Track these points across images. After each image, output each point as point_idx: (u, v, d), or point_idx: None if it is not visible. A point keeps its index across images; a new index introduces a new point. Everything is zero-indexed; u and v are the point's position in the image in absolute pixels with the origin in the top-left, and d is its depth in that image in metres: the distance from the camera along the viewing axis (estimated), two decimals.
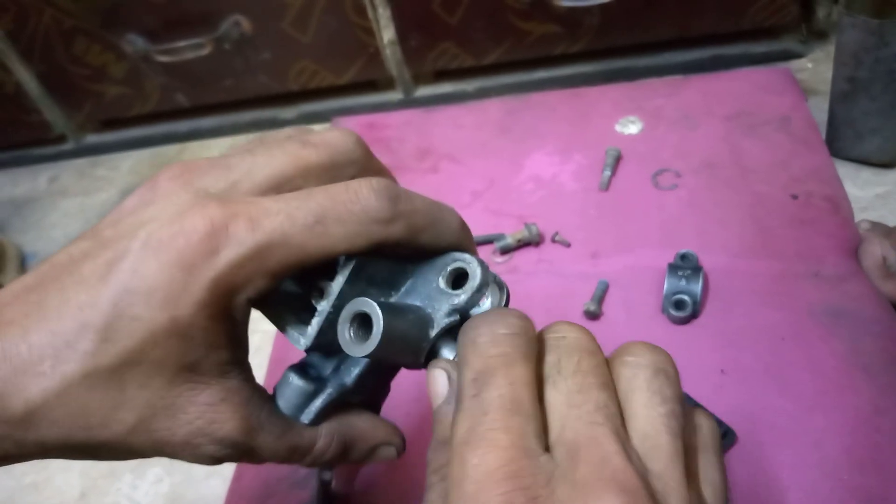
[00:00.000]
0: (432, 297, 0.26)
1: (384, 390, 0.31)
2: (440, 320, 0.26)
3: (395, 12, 1.26)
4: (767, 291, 0.53)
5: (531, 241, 0.60)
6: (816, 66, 1.20)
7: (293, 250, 0.23)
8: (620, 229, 0.60)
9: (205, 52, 1.33)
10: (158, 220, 0.23)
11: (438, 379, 0.24)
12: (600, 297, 0.55)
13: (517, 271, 0.59)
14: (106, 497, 0.62)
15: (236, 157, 0.25)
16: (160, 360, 0.23)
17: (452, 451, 0.20)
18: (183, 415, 0.24)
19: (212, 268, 0.22)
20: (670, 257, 0.56)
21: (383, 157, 0.73)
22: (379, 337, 0.23)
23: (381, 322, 0.23)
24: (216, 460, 0.26)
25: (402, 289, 0.27)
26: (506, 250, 0.60)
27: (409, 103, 1.40)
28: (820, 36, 1.25)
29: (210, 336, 0.23)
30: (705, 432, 0.24)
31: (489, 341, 0.23)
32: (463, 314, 0.26)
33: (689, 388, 0.48)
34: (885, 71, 0.81)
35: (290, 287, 0.28)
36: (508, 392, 0.21)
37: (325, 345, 0.26)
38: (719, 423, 0.45)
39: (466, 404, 0.21)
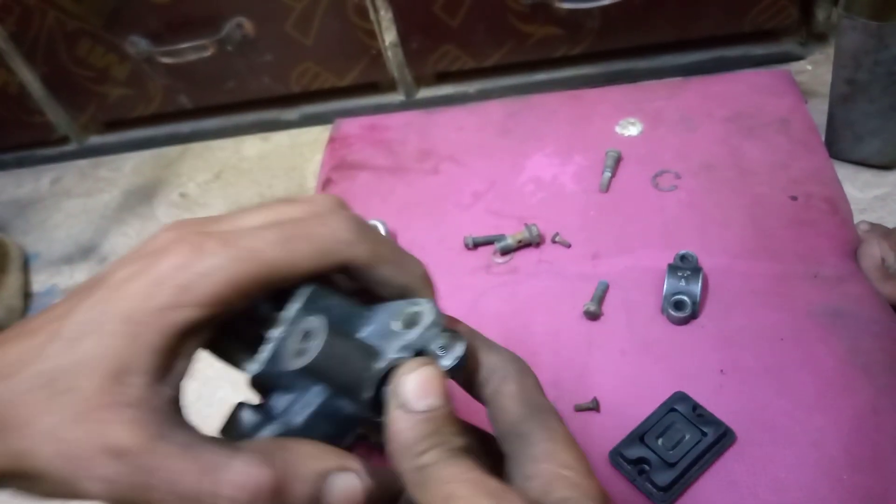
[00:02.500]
0: (387, 337, 0.26)
1: (341, 444, 0.26)
2: (390, 354, 0.25)
3: (396, 15, 1.27)
4: (767, 292, 0.53)
5: (532, 242, 0.61)
6: (816, 69, 1.21)
7: (260, 266, 0.24)
8: (620, 230, 0.61)
9: (207, 53, 1.34)
10: (145, 253, 0.25)
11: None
12: (600, 298, 0.55)
13: (518, 272, 0.60)
14: None
15: (228, 214, 0.27)
16: (97, 360, 0.22)
17: None
18: (87, 422, 0.22)
19: (180, 276, 0.23)
20: (670, 258, 0.56)
21: (384, 159, 0.74)
22: (319, 347, 0.23)
23: (324, 334, 0.23)
24: (110, 486, 0.22)
25: (360, 333, 0.27)
26: (506, 251, 0.61)
27: (410, 105, 1.41)
28: (819, 38, 1.26)
29: (154, 339, 0.23)
30: None
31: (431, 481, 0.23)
32: (416, 352, 0.26)
33: (689, 389, 0.48)
34: (885, 73, 0.81)
35: (244, 326, 0.27)
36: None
37: (276, 376, 0.25)
38: (719, 422, 0.46)
39: None
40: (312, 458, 0.24)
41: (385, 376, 0.25)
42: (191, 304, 0.23)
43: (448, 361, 0.26)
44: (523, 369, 0.28)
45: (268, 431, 0.25)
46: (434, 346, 0.26)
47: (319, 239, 0.25)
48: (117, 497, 0.22)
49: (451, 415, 0.24)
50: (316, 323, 0.24)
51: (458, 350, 0.26)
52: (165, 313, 0.23)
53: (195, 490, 0.22)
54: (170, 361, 0.23)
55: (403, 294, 0.27)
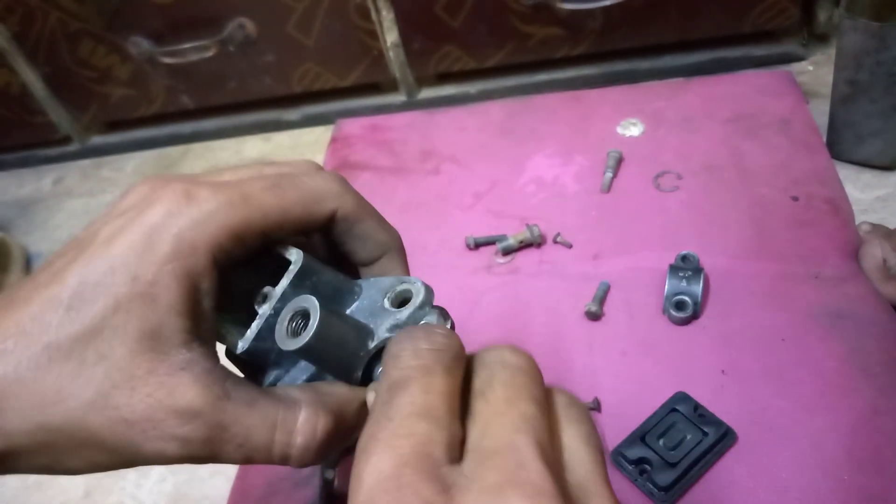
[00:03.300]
0: (376, 315, 0.26)
1: None
2: (381, 334, 0.25)
3: (398, 15, 1.27)
4: (768, 293, 0.53)
5: (533, 243, 0.61)
6: (817, 69, 1.21)
7: (253, 210, 0.24)
8: (622, 231, 0.61)
9: (209, 54, 1.34)
10: (125, 207, 0.24)
11: (370, 399, 0.24)
12: (601, 298, 0.55)
13: (519, 272, 0.60)
14: (110, 496, 0.62)
15: (207, 172, 0.26)
16: (121, 326, 0.22)
17: (354, 459, 0.20)
18: (143, 387, 0.22)
19: (175, 225, 0.22)
20: (671, 258, 0.56)
21: (386, 159, 0.74)
22: (314, 328, 0.23)
23: (319, 315, 0.23)
24: (184, 444, 0.22)
25: (348, 308, 0.27)
26: (508, 251, 0.61)
27: (411, 105, 1.41)
28: (821, 39, 1.26)
29: (173, 298, 0.22)
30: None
31: (410, 354, 0.22)
32: None
33: (690, 389, 0.48)
34: (886, 74, 0.82)
35: (236, 295, 0.26)
36: (420, 400, 0.20)
37: (264, 353, 0.25)
38: (720, 423, 0.46)
39: (376, 413, 0.20)
40: (351, 393, 0.25)
41: (375, 355, 0.25)
42: (192, 254, 0.22)
43: (434, 322, 0.26)
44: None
45: None
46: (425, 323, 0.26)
47: (308, 188, 0.25)
48: (191, 453, 0.23)
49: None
50: (309, 302, 0.24)
51: (437, 318, 0.26)
52: (170, 266, 0.22)
53: (268, 442, 0.23)
54: (197, 323, 0.23)
55: (384, 252, 0.28)
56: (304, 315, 0.24)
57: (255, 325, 0.25)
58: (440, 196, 0.68)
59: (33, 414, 0.22)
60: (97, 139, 1.58)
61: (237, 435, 0.23)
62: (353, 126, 0.78)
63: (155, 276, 0.22)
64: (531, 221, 0.61)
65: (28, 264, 1.44)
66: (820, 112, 0.72)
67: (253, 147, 1.52)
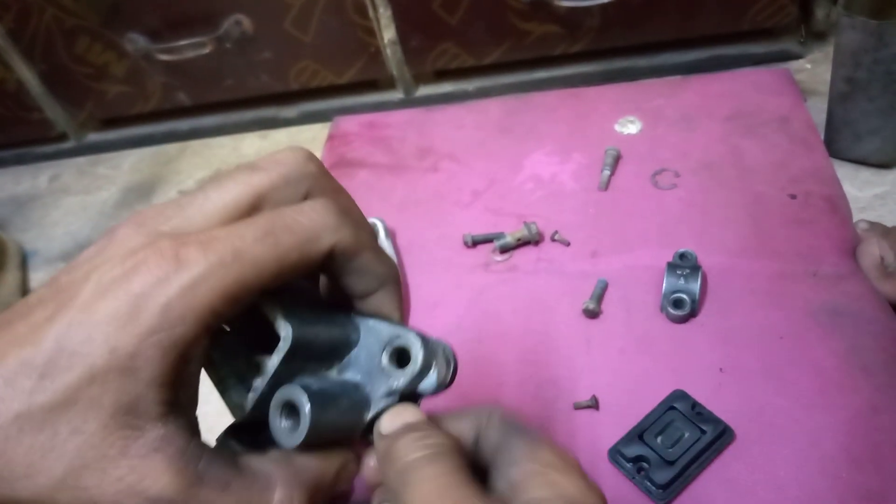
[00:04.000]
0: (373, 373, 0.26)
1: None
2: (377, 401, 0.25)
3: (395, 12, 1.27)
4: (766, 291, 0.53)
5: (531, 240, 0.61)
6: (815, 67, 1.21)
7: (247, 268, 0.23)
8: (620, 228, 0.61)
9: (206, 51, 1.33)
10: (111, 261, 0.22)
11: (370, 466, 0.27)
12: (599, 296, 0.55)
13: (517, 270, 0.60)
14: None
15: (188, 196, 0.25)
16: (96, 399, 0.21)
17: None
18: (114, 469, 0.21)
19: (163, 294, 0.21)
20: (669, 256, 0.56)
21: (384, 157, 0.73)
22: (306, 431, 0.23)
23: (308, 417, 0.23)
24: None
25: (345, 360, 0.26)
26: (505, 249, 0.61)
27: (409, 103, 1.41)
28: (819, 37, 1.26)
29: (155, 370, 0.21)
30: None
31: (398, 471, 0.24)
32: (402, 396, 0.26)
33: (688, 387, 0.48)
34: (884, 72, 0.81)
35: (235, 347, 0.26)
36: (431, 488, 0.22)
37: (263, 418, 0.25)
38: (718, 420, 0.46)
39: None
40: (325, 463, 0.26)
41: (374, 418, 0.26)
42: (180, 324, 0.21)
43: (432, 383, 0.26)
44: (504, 411, 0.28)
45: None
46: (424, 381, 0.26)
47: (302, 228, 0.24)
48: None
49: (428, 422, 0.26)
50: (298, 398, 0.24)
51: (437, 376, 0.26)
52: (155, 338, 0.21)
53: None
54: (177, 391, 0.22)
55: (381, 286, 0.27)
56: (294, 409, 0.24)
57: (251, 399, 0.25)
58: (438, 193, 0.68)
59: (1, 486, 0.21)
60: (93, 136, 1.58)
61: None
62: (350, 123, 0.77)
63: (136, 349, 0.21)
64: (529, 219, 0.61)
65: (24, 261, 1.43)
66: (818, 110, 0.72)
67: (250, 144, 1.52)
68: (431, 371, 0.26)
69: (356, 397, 0.26)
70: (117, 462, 0.21)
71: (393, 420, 0.26)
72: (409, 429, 0.25)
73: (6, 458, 0.21)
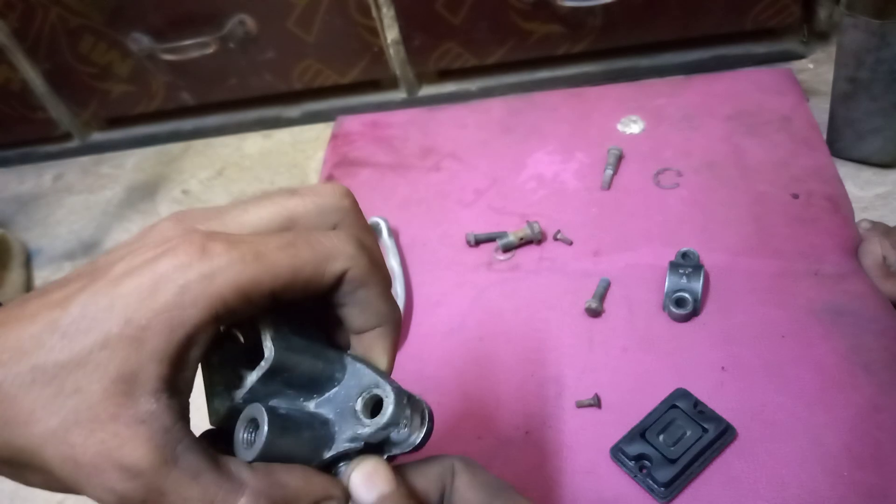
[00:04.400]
0: (345, 414, 0.27)
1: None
2: (340, 443, 0.26)
3: (398, 12, 1.27)
4: (768, 289, 0.54)
5: (533, 239, 0.61)
6: (818, 67, 1.21)
7: (264, 269, 0.24)
8: (622, 228, 0.61)
9: (210, 50, 1.34)
10: (145, 246, 0.24)
11: None
12: (602, 295, 0.55)
13: (519, 269, 0.60)
14: None
15: (230, 206, 0.27)
16: (103, 363, 0.22)
17: None
18: (100, 432, 0.22)
19: (183, 276, 0.23)
20: (671, 255, 0.56)
21: (386, 156, 0.74)
22: (259, 450, 0.24)
23: (264, 437, 0.24)
24: (121, 500, 0.23)
25: (325, 395, 0.27)
26: (508, 248, 0.61)
27: (412, 102, 1.41)
28: (821, 37, 1.26)
29: (160, 345, 0.23)
30: None
31: None
32: (367, 444, 0.27)
33: (690, 385, 0.48)
34: (887, 71, 0.81)
35: (233, 357, 0.27)
36: None
37: (232, 429, 0.26)
38: (719, 419, 0.46)
39: None
40: (304, 490, 0.26)
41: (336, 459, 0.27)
42: (192, 306, 0.23)
43: (401, 440, 0.27)
44: (467, 462, 0.29)
45: None
46: (393, 434, 0.27)
47: (322, 248, 0.25)
48: (127, 494, 0.23)
49: (405, 496, 0.26)
50: (261, 417, 0.25)
51: (408, 434, 0.27)
52: (167, 315, 0.23)
53: None
54: (176, 370, 0.23)
55: (379, 324, 0.28)
56: (255, 426, 0.25)
57: (224, 409, 0.26)
58: (441, 193, 0.68)
59: (1, 427, 0.22)
60: (97, 136, 1.58)
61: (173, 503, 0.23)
62: (353, 123, 0.78)
63: (148, 322, 0.23)
64: (532, 218, 0.61)
65: (28, 260, 1.44)
66: (820, 110, 0.72)
67: (253, 144, 1.52)
68: (401, 428, 0.27)
69: (321, 433, 0.26)
70: (105, 426, 0.22)
71: (367, 485, 0.26)
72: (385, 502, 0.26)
73: (15, 403, 0.22)
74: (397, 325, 0.29)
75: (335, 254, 0.26)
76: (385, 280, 0.28)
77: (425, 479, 0.28)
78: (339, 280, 0.26)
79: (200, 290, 0.23)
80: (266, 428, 0.24)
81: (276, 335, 0.26)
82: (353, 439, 0.26)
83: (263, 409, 0.25)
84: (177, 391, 0.24)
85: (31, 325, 0.23)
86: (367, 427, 0.26)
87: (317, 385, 0.27)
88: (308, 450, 0.26)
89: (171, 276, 0.23)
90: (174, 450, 0.23)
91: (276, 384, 0.26)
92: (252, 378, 0.25)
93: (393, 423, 0.26)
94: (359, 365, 0.28)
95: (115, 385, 0.22)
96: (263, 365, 0.25)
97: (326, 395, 0.27)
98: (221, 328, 0.25)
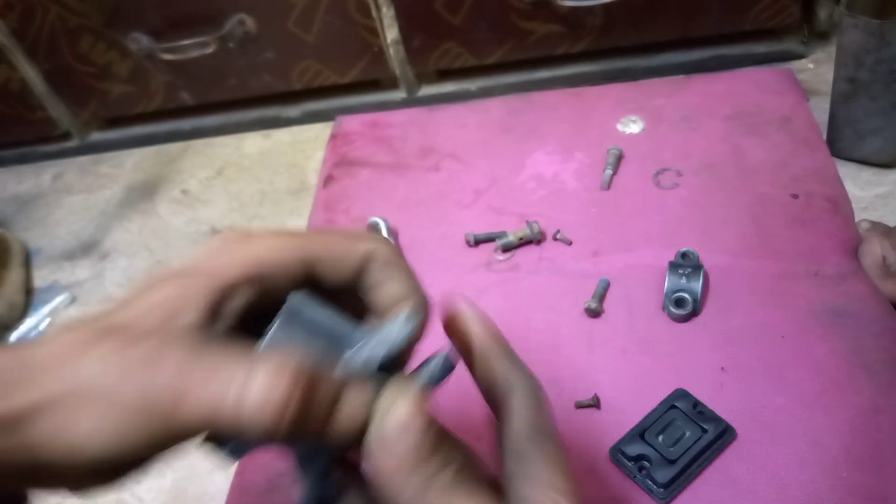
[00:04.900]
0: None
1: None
2: (354, 360, 0.26)
3: (398, 12, 1.27)
4: (768, 290, 0.53)
5: (533, 240, 0.61)
6: (817, 67, 1.21)
7: (297, 242, 0.28)
8: (621, 228, 0.61)
9: (209, 50, 1.34)
10: (227, 236, 0.29)
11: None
12: (601, 295, 0.55)
13: (519, 269, 0.60)
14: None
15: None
16: (158, 305, 0.26)
17: None
18: (157, 296, 0.26)
19: (225, 246, 0.28)
20: (671, 256, 0.56)
21: (386, 156, 0.74)
22: (266, 340, 0.26)
23: (274, 327, 0.26)
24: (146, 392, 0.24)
25: (343, 353, 0.27)
26: (507, 248, 0.61)
27: (412, 102, 1.41)
28: (821, 37, 1.26)
29: (205, 288, 0.26)
30: None
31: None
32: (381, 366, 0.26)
33: (689, 386, 0.48)
34: (886, 71, 0.81)
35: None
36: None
37: None
38: (719, 420, 0.46)
39: None
40: (326, 376, 0.25)
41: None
42: (230, 266, 0.27)
43: (428, 378, 0.27)
44: (538, 392, 0.28)
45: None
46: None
47: (351, 234, 0.29)
48: (152, 400, 0.23)
49: (441, 432, 0.26)
50: (290, 301, 0.26)
51: (435, 362, 0.27)
52: (208, 269, 0.27)
53: (225, 387, 0.23)
54: (216, 307, 0.26)
55: (406, 296, 0.28)
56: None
57: (259, 344, 0.26)
58: (440, 193, 0.68)
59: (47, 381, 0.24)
60: (96, 135, 1.58)
61: (194, 391, 0.23)
62: (352, 123, 0.77)
63: (191, 272, 0.27)
64: (531, 218, 0.61)
65: (27, 260, 1.44)
66: (820, 110, 0.72)
67: (253, 143, 1.52)
68: (409, 324, 0.27)
69: (336, 346, 0.27)
70: (151, 335, 0.25)
71: (392, 417, 0.25)
72: (434, 461, 0.24)
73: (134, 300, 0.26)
74: (425, 303, 0.29)
75: (363, 238, 0.29)
76: (408, 266, 0.29)
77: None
78: (366, 262, 0.28)
79: (239, 253, 0.27)
80: (279, 320, 0.25)
81: (301, 293, 0.27)
82: (368, 359, 0.26)
83: (298, 299, 0.26)
84: (214, 324, 0.26)
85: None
86: (384, 332, 0.26)
87: (336, 341, 0.27)
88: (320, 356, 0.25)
89: (223, 249, 0.27)
90: (200, 344, 0.25)
91: (299, 332, 0.26)
92: (273, 325, 0.26)
93: (405, 331, 0.26)
94: (385, 328, 0.27)
95: (164, 318, 0.25)
96: (285, 308, 0.26)
97: (344, 354, 0.27)
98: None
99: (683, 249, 0.56)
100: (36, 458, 0.23)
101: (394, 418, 0.24)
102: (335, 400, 0.24)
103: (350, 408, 0.24)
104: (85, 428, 0.23)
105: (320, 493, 0.27)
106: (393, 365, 0.27)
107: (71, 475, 0.25)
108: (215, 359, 0.24)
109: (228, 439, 0.26)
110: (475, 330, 0.29)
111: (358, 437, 0.25)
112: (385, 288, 0.28)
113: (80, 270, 1.33)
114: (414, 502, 0.24)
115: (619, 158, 0.66)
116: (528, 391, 0.28)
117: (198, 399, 0.23)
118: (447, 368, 0.27)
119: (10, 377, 0.24)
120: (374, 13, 1.32)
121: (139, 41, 1.38)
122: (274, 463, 0.50)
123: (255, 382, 0.23)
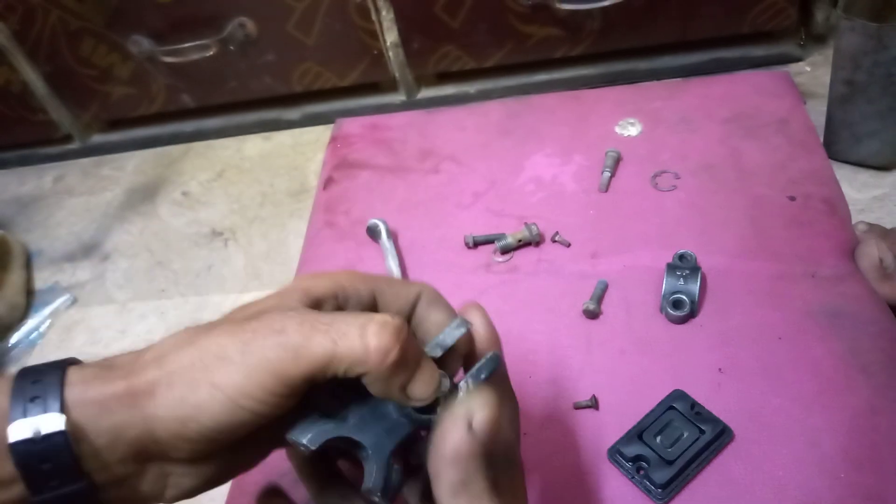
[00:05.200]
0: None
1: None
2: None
3: (398, 15, 1.27)
4: (765, 291, 0.54)
5: (531, 241, 0.61)
6: (815, 70, 1.21)
7: (360, 277, 0.34)
8: (620, 230, 0.61)
9: (210, 53, 1.34)
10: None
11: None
12: (599, 297, 0.56)
13: (517, 271, 0.60)
14: None
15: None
16: (289, 291, 0.32)
17: None
18: (276, 297, 0.31)
19: (318, 274, 0.34)
20: (669, 257, 0.57)
21: (385, 158, 0.74)
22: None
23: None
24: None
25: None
26: (506, 250, 0.61)
27: (411, 105, 1.41)
28: (818, 40, 1.26)
29: (300, 295, 0.32)
30: None
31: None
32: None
33: (687, 387, 0.48)
34: (883, 74, 0.82)
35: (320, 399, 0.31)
36: None
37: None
38: (717, 420, 0.46)
39: None
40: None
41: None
42: (321, 285, 0.32)
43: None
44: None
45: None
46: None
47: (405, 280, 0.36)
48: (274, 357, 0.28)
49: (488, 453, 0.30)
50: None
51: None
52: (302, 286, 0.32)
53: (341, 341, 0.28)
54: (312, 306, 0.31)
55: (452, 317, 0.34)
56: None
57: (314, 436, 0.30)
58: (439, 195, 0.68)
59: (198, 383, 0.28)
60: (98, 138, 1.58)
61: (324, 328, 0.29)
62: (352, 125, 0.78)
63: (289, 287, 0.32)
64: (530, 220, 0.62)
65: (28, 262, 1.44)
66: (817, 112, 0.73)
67: (253, 146, 1.52)
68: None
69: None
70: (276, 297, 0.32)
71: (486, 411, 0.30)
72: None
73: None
74: (467, 325, 0.35)
75: (412, 284, 0.34)
76: (448, 304, 0.35)
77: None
78: (418, 298, 0.34)
79: (326, 277, 0.33)
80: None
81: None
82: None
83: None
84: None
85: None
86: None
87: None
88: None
89: (305, 275, 0.35)
90: (309, 310, 0.31)
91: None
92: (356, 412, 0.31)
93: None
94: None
95: (285, 299, 0.31)
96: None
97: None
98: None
99: (681, 251, 0.57)
100: (152, 430, 0.28)
101: (449, 446, 0.29)
102: (418, 363, 0.30)
103: (426, 375, 0.30)
104: (199, 397, 0.27)
105: (387, 479, 0.30)
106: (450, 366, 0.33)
107: (183, 447, 0.28)
108: (330, 318, 0.29)
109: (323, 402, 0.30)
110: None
111: (425, 405, 0.30)
112: (432, 317, 0.34)
113: (81, 272, 1.34)
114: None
115: (618, 161, 0.66)
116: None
117: (320, 344, 0.28)
118: (495, 361, 0.33)
119: (131, 366, 0.29)
120: (373, 16, 1.32)
121: (140, 44, 1.38)
122: (274, 463, 0.51)
123: (369, 331, 0.28)
